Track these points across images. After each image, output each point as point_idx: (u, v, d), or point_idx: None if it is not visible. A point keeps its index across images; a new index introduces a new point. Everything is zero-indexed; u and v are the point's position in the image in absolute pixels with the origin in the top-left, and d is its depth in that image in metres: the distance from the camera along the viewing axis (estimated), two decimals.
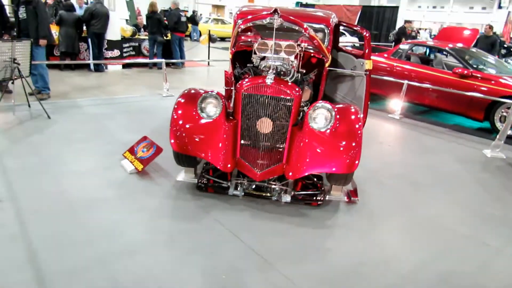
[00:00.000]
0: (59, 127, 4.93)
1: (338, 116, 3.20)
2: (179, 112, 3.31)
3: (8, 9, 6.21)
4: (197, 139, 3.21)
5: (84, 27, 8.87)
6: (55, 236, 2.66)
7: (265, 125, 3.16)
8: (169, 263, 2.48)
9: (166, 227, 2.89)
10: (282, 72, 3.46)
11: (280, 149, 3.20)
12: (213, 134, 3.20)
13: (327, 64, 4.03)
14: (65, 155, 4.07)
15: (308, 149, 3.09)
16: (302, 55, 3.85)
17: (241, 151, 3.24)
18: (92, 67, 9.05)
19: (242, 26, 3.30)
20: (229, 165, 3.17)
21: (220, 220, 3.01)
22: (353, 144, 3.10)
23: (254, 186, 3.39)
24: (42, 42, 5.97)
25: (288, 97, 3.14)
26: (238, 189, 3.38)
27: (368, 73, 4.26)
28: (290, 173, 3.12)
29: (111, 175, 3.65)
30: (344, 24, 4.73)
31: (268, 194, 3.35)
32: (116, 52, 9.58)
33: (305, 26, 3.11)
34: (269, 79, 3.11)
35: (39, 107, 5.31)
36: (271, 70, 3.18)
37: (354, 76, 4.48)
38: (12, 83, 5.24)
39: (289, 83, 3.26)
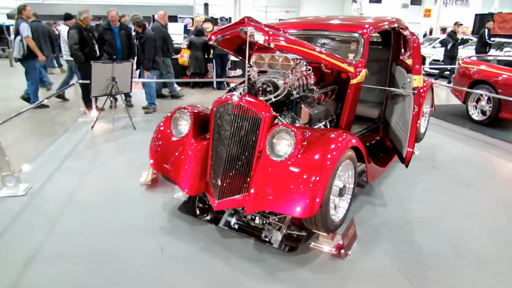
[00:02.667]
0: (133, 137, 5.55)
1: (305, 143, 2.54)
2: (161, 129, 3.26)
3: None
4: (168, 158, 3.09)
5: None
6: (24, 227, 3.00)
7: (230, 147, 2.79)
8: (77, 277, 2.44)
9: (110, 243, 2.85)
10: (268, 90, 2.98)
11: (245, 177, 2.76)
12: (181, 153, 3.02)
13: (353, 81, 3.27)
14: (112, 162, 4.55)
15: (263, 181, 2.56)
16: (311, 69, 3.26)
17: (210, 174, 2.95)
18: (214, 85, 9.92)
19: (213, 38, 3.00)
20: (196, 188, 2.94)
21: (164, 247, 2.79)
22: (317, 178, 2.40)
23: (251, 217, 3.01)
24: (146, 74, 6.91)
25: (254, 117, 2.70)
26: (234, 217, 3.08)
27: (416, 92, 3.24)
28: (245, 208, 2.66)
29: (124, 184, 3.87)
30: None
31: (261, 228, 2.94)
32: (239, 72, 10.21)
33: (272, 37, 2.59)
34: (236, 96, 2.75)
35: (137, 119, 6.15)
36: (241, 86, 2.80)
37: (405, 95, 3.48)
38: (112, 98, 6.22)
39: (270, 101, 2.83)
